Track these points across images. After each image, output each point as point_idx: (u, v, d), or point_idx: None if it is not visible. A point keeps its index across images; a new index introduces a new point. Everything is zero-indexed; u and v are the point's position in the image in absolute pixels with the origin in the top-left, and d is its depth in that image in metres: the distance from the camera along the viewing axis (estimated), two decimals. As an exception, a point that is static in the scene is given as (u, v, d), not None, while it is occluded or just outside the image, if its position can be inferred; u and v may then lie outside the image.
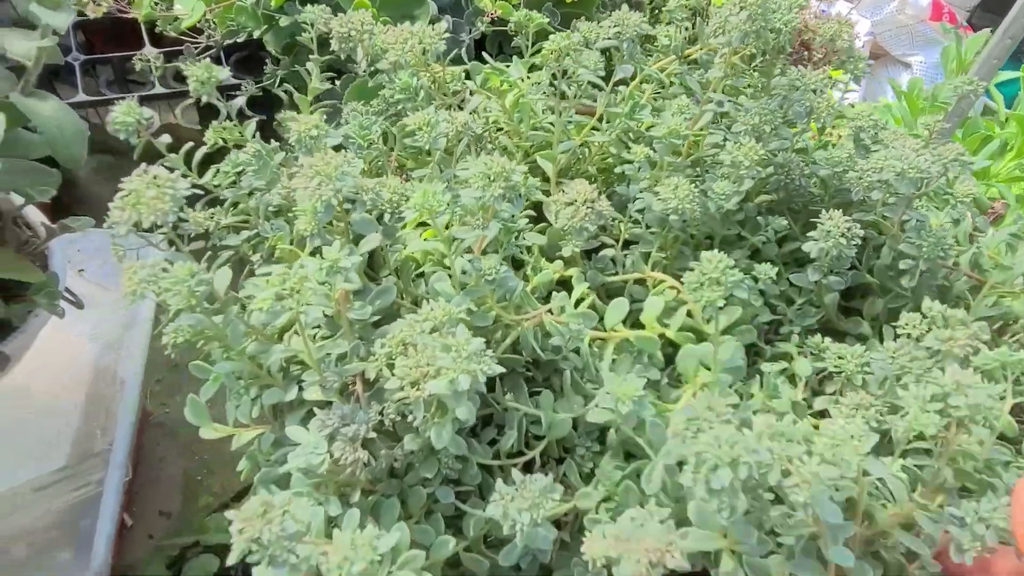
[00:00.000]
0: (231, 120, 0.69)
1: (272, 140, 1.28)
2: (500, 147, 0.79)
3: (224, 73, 0.68)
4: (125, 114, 0.65)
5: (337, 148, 0.82)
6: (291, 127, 0.63)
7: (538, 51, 0.78)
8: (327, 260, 0.52)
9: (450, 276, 0.59)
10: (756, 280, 0.70)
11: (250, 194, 0.70)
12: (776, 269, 0.69)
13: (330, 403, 0.56)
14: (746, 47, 0.71)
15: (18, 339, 0.82)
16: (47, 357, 0.98)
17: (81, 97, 1.31)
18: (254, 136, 0.73)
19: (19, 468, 0.98)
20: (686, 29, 0.81)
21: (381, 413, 0.52)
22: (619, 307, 0.63)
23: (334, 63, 1.14)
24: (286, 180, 0.67)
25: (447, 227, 0.57)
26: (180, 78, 1.37)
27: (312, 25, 0.76)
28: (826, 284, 0.70)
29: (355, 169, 0.55)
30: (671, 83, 0.81)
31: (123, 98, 1.33)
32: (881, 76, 2.61)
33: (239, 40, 1.25)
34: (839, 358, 0.60)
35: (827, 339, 0.75)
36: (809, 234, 0.67)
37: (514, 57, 0.79)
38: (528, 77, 0.78)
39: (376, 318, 0.58)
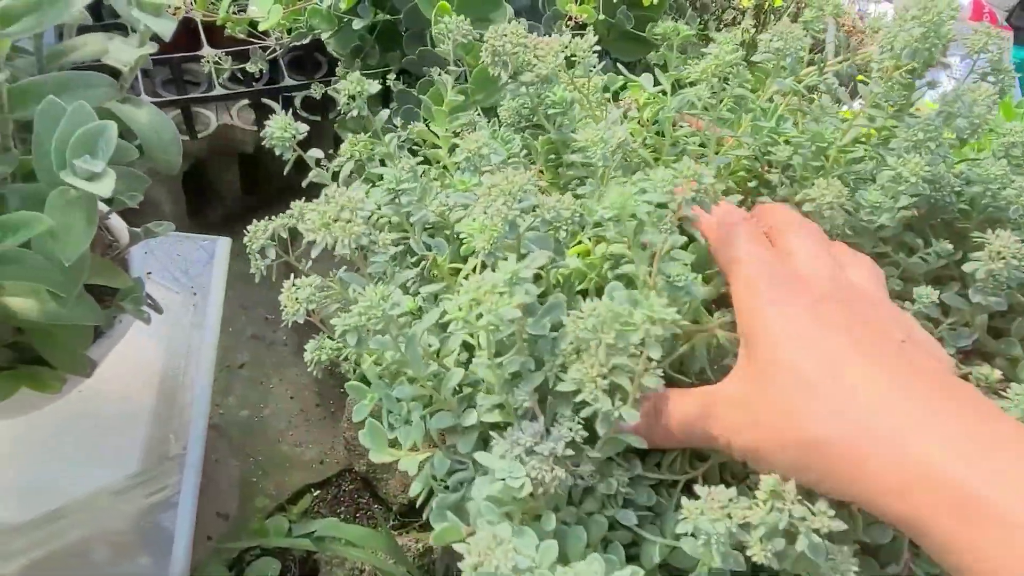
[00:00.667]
0: (297, 120, 0.68)
1: (330, 143, 1.29)
2: (644, 162, 0.78)
3: (304, 128, 0.66)
4: (282, 129, 0.65)
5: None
6: (460, 145, 0.63)
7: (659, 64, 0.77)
8: (507, 272, 0.51)
9: (632, 281, 0.58)
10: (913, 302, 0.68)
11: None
12: (936, 291, 0.68)
13: (498, 425, 0.56)
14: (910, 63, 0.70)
15: (104, 344, 0.84)
16: (118, 362, 1.00)
17: (143, 98, 1.32)
18: (398, 148, 0.73)
19: (96, 472, 1.00)
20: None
21: (571, 430, 0.51)
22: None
23: (409, 64, 1.14)
24: (443, 196, 0.67)
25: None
26: (236, 79, 1.39)
27: (449, 34, 0.76)
28: (984, 305, 0.69)
29: (533, 185, 0.55)
30: (810, 97, 0.80)
31: (182, 100, 1.36)
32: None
33: (297, 42, 1.25)
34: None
35: (984, 365, 0.74)
36: (973, 254, 0.66)
37: (655, 69, 0.78)
38: (667, 91, 0.77)
39: (553, 334, 0.57)
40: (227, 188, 1.59)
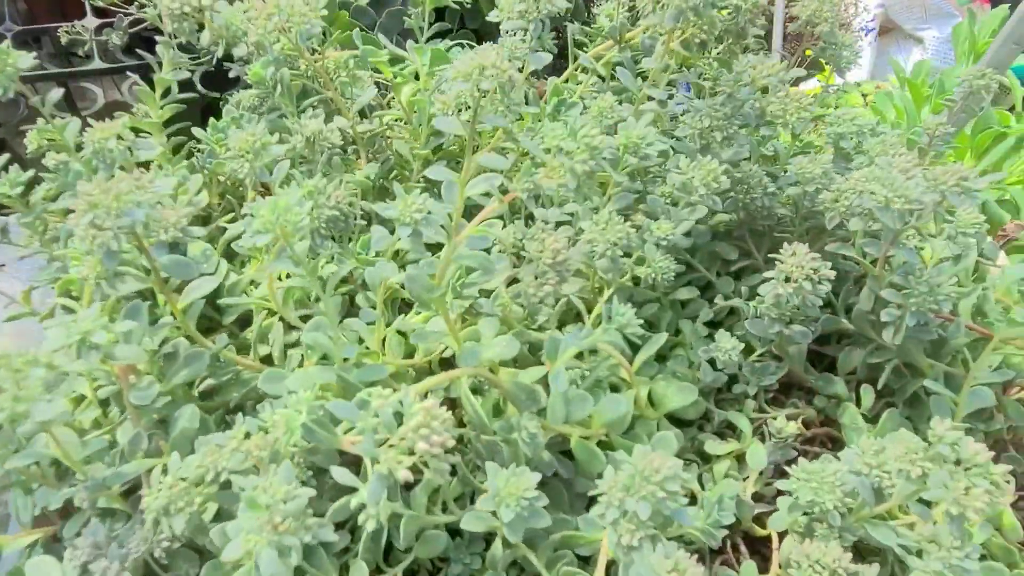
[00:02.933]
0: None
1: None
2: (396, 153, 0.64)
3: (28, 62, 0.53)
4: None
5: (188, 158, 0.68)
6: (88, 134, 0.49)
7: (439, 33, 0.63)
8: (77, 332, 0.37)
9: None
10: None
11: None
12: (739, 345, 0.54)
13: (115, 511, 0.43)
14: (688, 30, 0.56)
15: None
16: None
17: None
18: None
19: None
20: (630, 7, 0.65)
21: (148, 541, 0.38)
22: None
23: None
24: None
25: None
26: (130, 51, 1.24)
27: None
28: (788, 335, 0.55)
29: (154, 196, 0.41)
30: (611, 76, 0.66)
31: (59, 75, 1.21)
32: (891, 52, 2.43)
33: None
34: (810, 482, 0.45)
35: (792, 409, 0.61)
36: (766, 274, 0.53)
37: (408, 42, 0.64)
38: (427, 66, 0.62)
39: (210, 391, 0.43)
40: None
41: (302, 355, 0.52)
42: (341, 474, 0.32)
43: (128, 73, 1.25)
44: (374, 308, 0.47)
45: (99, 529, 0.38)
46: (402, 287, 0.49)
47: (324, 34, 0.63)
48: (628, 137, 0.51)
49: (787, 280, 0.50)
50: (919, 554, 0.42)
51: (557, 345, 0.44)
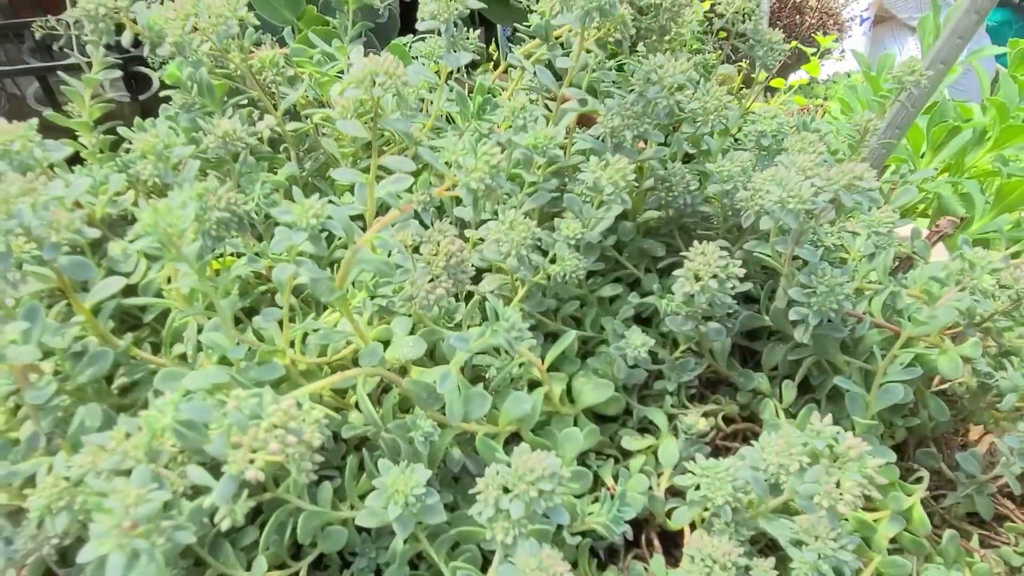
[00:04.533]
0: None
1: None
2: (327, 154, 0.64)
3: None
4: None
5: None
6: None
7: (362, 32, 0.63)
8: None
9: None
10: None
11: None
12: (649, 342, 0.55)
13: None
14: (603, 28, 0.56)
15: None
16: None
17: None
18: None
19: None
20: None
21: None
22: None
23: None
24: None
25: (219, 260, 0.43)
26: (112, 46, 1.26)
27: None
28: (705, 332, 0.56)
29: (46, 197, 0.41)
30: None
31: (38, 69, 1.22)
32: (886, 42, 2.42)
33: None
34: (703, 475, 0.46)
35: (714, 401, 0.62)
36: (675, 272, 0.53)
37: (334, 41, 0.64)
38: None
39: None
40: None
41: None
42: (198, 474, 0.32)
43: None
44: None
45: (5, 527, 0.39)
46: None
47: (258, 29, 0.63)
48: (536, 138, 0.51)
49: (696, 279, 0.51)
50: (798, 545, 0.42)
51: (452, 348, 0.45)
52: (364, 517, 0.43)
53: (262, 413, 0.31)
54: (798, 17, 2.44)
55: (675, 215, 0.64)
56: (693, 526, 0.52)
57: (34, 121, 0.50)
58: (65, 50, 1.23)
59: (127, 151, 0.68)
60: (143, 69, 1.33)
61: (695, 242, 0.52)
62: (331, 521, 0.47)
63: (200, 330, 0.52)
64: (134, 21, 0.57)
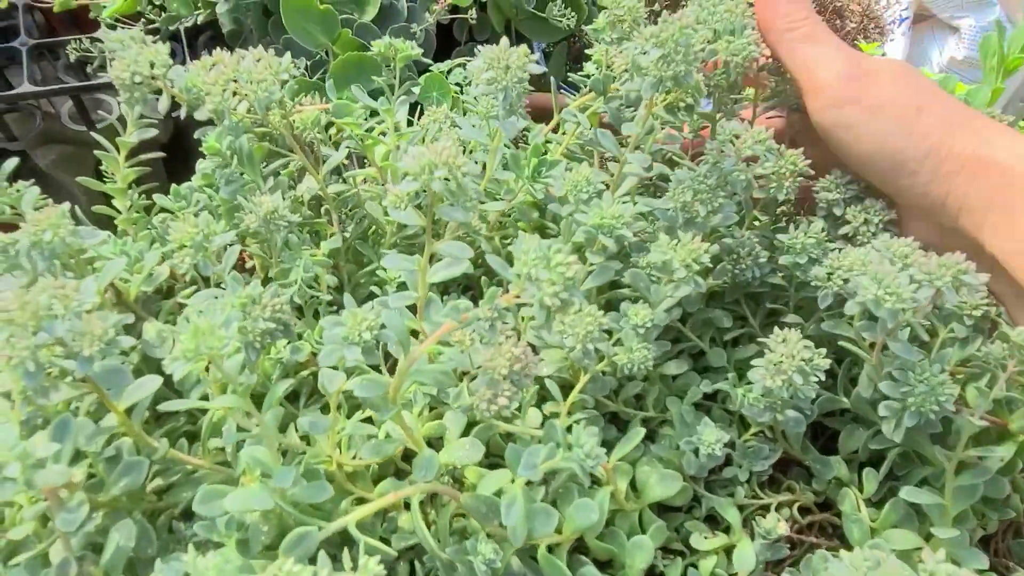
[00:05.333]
0: None
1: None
2: (369, 219, 0.61)
3: None
4: None
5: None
6: (26, 223, 0.46)
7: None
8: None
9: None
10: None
11: None
12: (724, 437, 0.50)
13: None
14: (672, 94, 0.52)
15: None
16: None
17: (26, 87, 1.16)
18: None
19: None
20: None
21: None
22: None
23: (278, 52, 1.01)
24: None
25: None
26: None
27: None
28: (782, 420, 0.52)
29: (78, 305, 0.38)
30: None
31: (73, 88, 1.21)
32: (925, 42, 2.33)
33: (199, 23, 1.10)
34: None
35: (786, 489, 0.57)
36: (754, 361, 0.49)
37: (381, 99, 0.60)
38: (398, 122, 0.59)
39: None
40: (147, 178, 1.45)
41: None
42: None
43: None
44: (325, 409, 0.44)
45: None
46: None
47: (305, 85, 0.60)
48: (602, 217, 0.47)
49: (777, 370, 0.47)
50: None
51: (517, 459, 0.41)
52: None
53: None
54: (839, 21, 2.36)
55: (740, 283, 0.59)
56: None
57: (67, 206, 0.47)
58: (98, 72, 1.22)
59: (161, 210, 0.65)
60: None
61: (778, 312, 0.48)
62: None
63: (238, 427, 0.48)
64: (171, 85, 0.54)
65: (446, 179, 0.39)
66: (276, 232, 0.50)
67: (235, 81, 0.52)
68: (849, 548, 0.53)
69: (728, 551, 0.52)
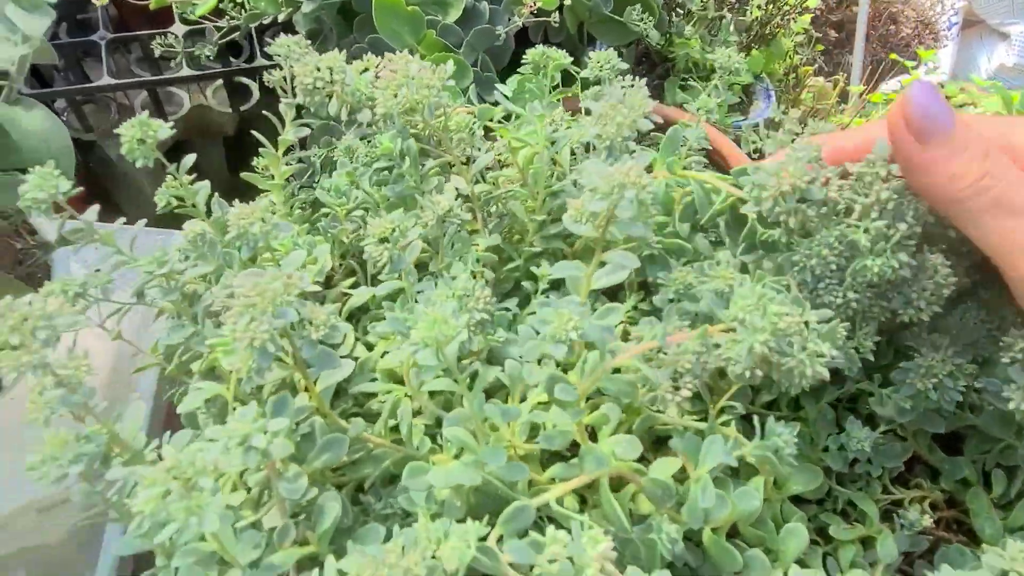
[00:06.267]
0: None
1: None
2: (511, 214, 0.64)
3: (165, 132, 0.55)
4: (135, 133, 0.53)
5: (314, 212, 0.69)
6: (231, 216, 0.50)
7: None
8: (234, 437, 0.38)
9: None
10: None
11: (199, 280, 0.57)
12: (872, 435, 0.53)
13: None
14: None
15: None
16: None
17: (106, 80, 1.22)
18: (209, 201, 0.60)
19: (25, 488, 0.89)
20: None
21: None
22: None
23: (359, 52, 1.05)
24: (231, 274, 0.53)
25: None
26: (218, 56, 1.30)
27: (285, 59, 0.62)
28: (917, 421, 0.54)
29: (299, 288, 0.42)
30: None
31: (149, 82, 1.26)
32: (974, 48, 2.32)
33: (279, 20, 1.14)
34: None
35: (917, 491, 0.59)
36: (901, 364, 0.51)
37: (531, 104, 0.63)
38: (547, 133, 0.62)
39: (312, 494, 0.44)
40: (210, 169, 1.50)
41: (426, 432, 0.52)
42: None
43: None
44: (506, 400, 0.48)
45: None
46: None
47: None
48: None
49: (925, 375, 0.49)
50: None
51: (696, 448, 0.44)
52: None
53: (581, 559, 0.31)
54: (893, 27, 2.35)
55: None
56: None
57: (266, 202, 0.51)
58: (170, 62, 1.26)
59: (313, 204, 0.69)
60: (244, 80, 1.37)
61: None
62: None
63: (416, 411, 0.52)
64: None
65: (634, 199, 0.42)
66: (449, 229, 0.53)
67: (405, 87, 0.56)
68: (977, 545, 0.56)
69: (864, 542, 0.55)
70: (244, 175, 0.65)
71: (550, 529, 0.32)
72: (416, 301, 0.50)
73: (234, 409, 0.47)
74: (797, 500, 0.58)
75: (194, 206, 0.60)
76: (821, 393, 0.59)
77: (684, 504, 0.46)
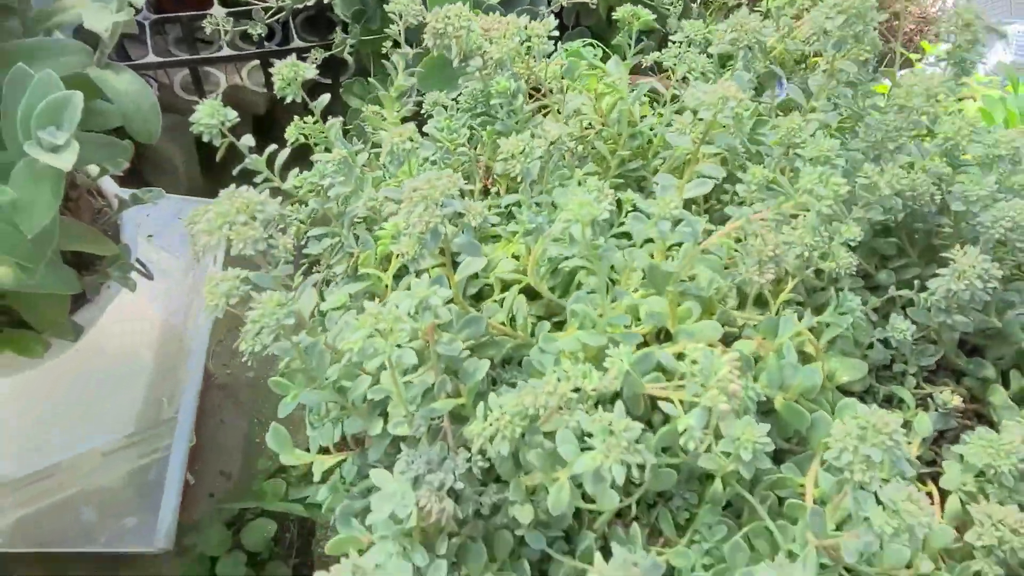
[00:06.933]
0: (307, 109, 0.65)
1: (340, 108, 1.26)
2: (595, 154, 0.74)
3: (311, 72, 0.64)
4: (209, 115, 0.61)
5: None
6: (383, 137, 0.59)
7: (641, 51, 0.72)
8: (416, 297, 0.48)
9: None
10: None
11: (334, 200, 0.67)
12: (912, 327, 0.63)
13: (409, 438, 0.54)
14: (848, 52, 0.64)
15: (90, 310, 0.82)
16: (115, 323, 1.01)
17: (151, 58, 1.29)
18: (340, 135, 0.70)
19: (90, 434, 1.01)
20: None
21: (469, 460, 0.49)
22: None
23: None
24: (372, 190, 0.63)
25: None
26: (247, 39, 1.37)
27: (400, 16, 0.72)
28: (950, 324, 0.64)
29: (459, 186, 0.52)
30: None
31: (191, 61, 1.34)
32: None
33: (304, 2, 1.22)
34: (988, 448, 0.53)
35: (945, 387, 0.69)
36: (939, 271, 0.61)
37: (614, 57, 0.73)
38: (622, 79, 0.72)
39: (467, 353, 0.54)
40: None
41: (535, 323, 0.62)
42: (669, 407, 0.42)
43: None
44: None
45: (429, 450, 0.49)
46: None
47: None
48: (819, 150, 0.60)
49: (959, 277, 0.59)
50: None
51: (775, 324, 0.54)
52: (705, 460, 0.52)
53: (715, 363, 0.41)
54: (896, 23, 2.44)
55: (905, 219, 0.71)
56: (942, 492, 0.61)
57: (411, 125, 0.61)
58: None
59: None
60: (278, 61, 1.44)
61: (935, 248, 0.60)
62: (662, 464, 0.56)
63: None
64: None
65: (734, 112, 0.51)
66: (555, 154, 0.63)
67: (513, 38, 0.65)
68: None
69: (903, 425, 0.65)
70: (366, 113, 0.74)
71: (691, 345, 0.42)
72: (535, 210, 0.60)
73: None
74: (845, 394, 0.68)
75: (325, 138, 0.69)
76: (865, 299, 0.69)
77: (761, 374, 0.56)
